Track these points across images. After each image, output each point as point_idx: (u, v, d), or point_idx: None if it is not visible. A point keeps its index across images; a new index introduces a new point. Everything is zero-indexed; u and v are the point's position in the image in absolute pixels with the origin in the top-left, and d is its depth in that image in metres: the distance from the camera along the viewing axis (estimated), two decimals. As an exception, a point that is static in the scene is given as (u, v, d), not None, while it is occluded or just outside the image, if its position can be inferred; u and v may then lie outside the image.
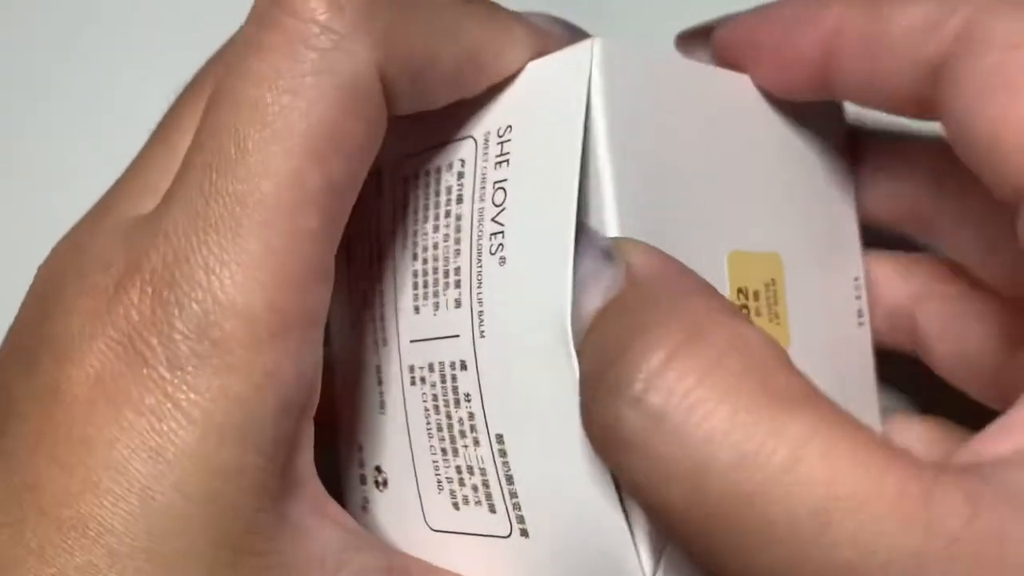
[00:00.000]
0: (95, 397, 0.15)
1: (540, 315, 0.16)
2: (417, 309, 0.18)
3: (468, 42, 0.16)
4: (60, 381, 0.15)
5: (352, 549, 0.17)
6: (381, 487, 0.19)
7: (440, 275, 0.18)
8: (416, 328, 0.18)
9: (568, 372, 0.15)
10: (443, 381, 0.18)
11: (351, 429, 0.20)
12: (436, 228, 0.18)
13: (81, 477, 0.14)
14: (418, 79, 0.16)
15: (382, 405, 0.19)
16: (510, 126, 0.17)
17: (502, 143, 0.17)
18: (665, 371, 0.13)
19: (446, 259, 0.17)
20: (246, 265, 0.14)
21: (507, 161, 0.17)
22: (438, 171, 0.18)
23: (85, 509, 0.14)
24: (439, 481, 0.18)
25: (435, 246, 0.18)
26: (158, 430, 0.14)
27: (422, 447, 0.18)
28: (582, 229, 0.16)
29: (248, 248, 0.14)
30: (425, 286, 0.18)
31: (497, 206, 0.17)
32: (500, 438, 0.17)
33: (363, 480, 0.20)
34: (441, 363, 0.18)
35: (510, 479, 0.17)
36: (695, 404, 0.13)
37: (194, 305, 0.15)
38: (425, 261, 0.18)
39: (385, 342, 0.19)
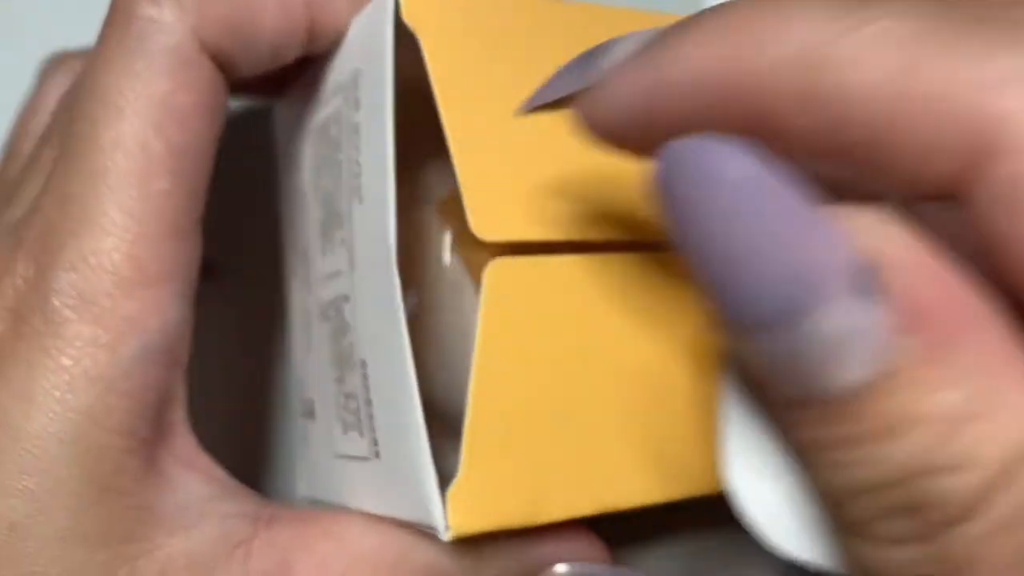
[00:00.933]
0: None
1: (376, 247, 0.17)
2: (323, 251, 0.20)
3: None
4: None
5: (217, 499, 0.18)
6: (310, 418, 0.21)
7: (332, 219, 0.19)
8: (321, 270, 0.20)
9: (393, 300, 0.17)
10: (337, 314, 0.19)
11: (296, 368, 0.22)
12: (328, 175, 0.20)
13: None
14: (247, 41, 0.18)
15: (309, 342, 0.21)
16: (359, 69, 0.18)
17: (356, 87, 0.18)
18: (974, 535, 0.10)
19: (336, 203, 0.19)
20: (107, 227, 0.17)
21: (358, 104, 0.18)
22: (326, 123, 0.20)
23: None
24: (336, 408, 0.20)
25: (328, 193, 0.20)
26: (30, 377, 0.16)
27: (327, 377, 0.20)
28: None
29: (108, 212, 0.17)
30: (324, 231, 0.20)
31: (357, 149, 0.18)
32: (363, 363, 0.18)
33: (302, 413, 0.22)
34: (335, 298, 0.19)
35: (369, 403, 0.18)
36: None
37: (64, 265, 0.16)
38: (325, 208, 0.20)
39: (309, 287, 0.21)
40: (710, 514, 0.18)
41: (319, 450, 0.21)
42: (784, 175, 0.11)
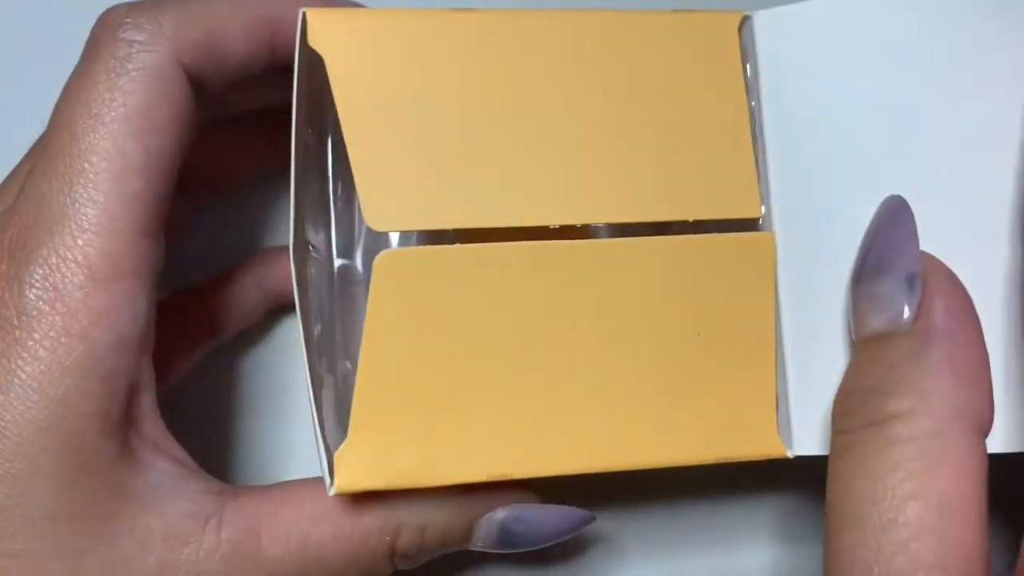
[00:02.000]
0: None
1: None
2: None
3: (248, 11, 0.19)
4: None
5: (186, 478, 0.19)
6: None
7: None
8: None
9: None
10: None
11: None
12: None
13: None
14: (218, 60, 0.19)
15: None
16: None
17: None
18: (894, 444, 0.17)
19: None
20: (82, 224, 0.18)
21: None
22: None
23: None
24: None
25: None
26: (7, 368, 0.17)
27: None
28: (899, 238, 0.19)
29: (83, 211, 0.18)
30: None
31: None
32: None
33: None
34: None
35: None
36: (893, 488, 0.17)
37: (39, 260, 0.18)
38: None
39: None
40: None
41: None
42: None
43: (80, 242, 0.18)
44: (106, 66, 0.18)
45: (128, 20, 0.19)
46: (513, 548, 0.21)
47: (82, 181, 0.18)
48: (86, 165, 0.18)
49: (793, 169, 0.20)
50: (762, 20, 0.21)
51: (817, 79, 0.20)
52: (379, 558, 0.20)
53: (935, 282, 0.18)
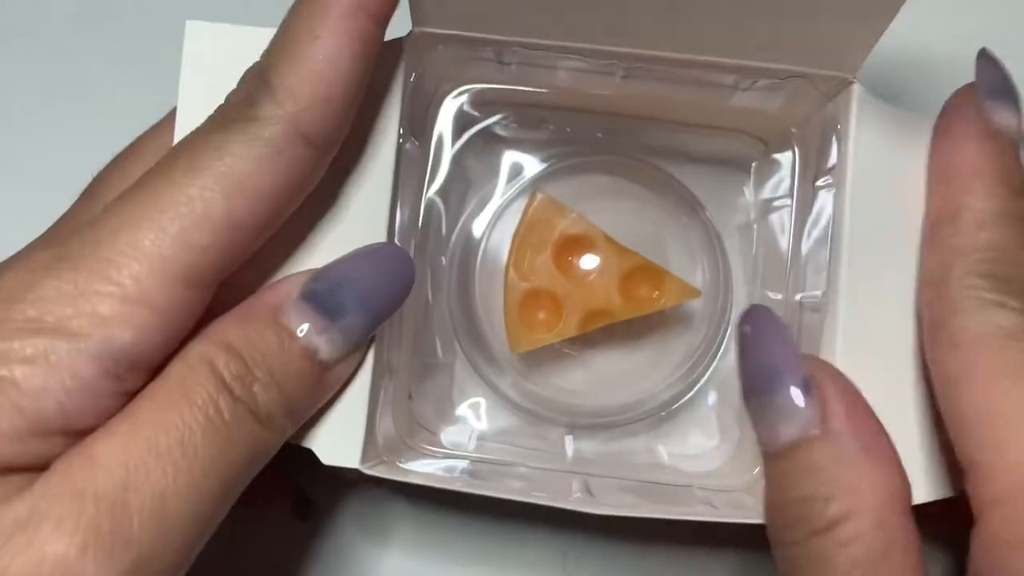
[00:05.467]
0: None
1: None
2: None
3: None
4: None
5: None
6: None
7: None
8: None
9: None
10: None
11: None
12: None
13: None
14: (331, 118, 0.19)
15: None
16: None
17: None
18: (843, 546, 0.18)
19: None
20: (129, 252, 0.18)
21: None
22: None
23: None
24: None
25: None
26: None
27: None
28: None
29: (140, 241, 0.18)
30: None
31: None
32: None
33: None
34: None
35: None
36: (830, 569, 0.18)
37: (78, 256, 0.18)
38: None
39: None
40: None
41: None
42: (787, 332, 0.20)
43: (121, 262, 0.18)
44: (223, 129, 0.19)
45: (247, 90, 0.19)
46: (332, 307, 0.20)
47: (155, 217, 0.18)
48: (166, 202, 0.18)
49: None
50: (864, 106, 0.21)
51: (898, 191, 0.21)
52: (212, 392, 0.18)
53: (826, 382, 0.19)
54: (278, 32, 0.19)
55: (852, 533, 0.18)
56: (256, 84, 0.19)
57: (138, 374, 0.18)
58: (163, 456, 0.17)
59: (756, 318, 0.20)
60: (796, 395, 0.19)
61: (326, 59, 0.19)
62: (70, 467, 0.17)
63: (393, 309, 0.21)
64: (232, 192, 0.18)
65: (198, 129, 0.19)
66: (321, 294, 0.20)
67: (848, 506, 0.18)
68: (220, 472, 0.18)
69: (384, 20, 0.20)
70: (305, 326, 0.19)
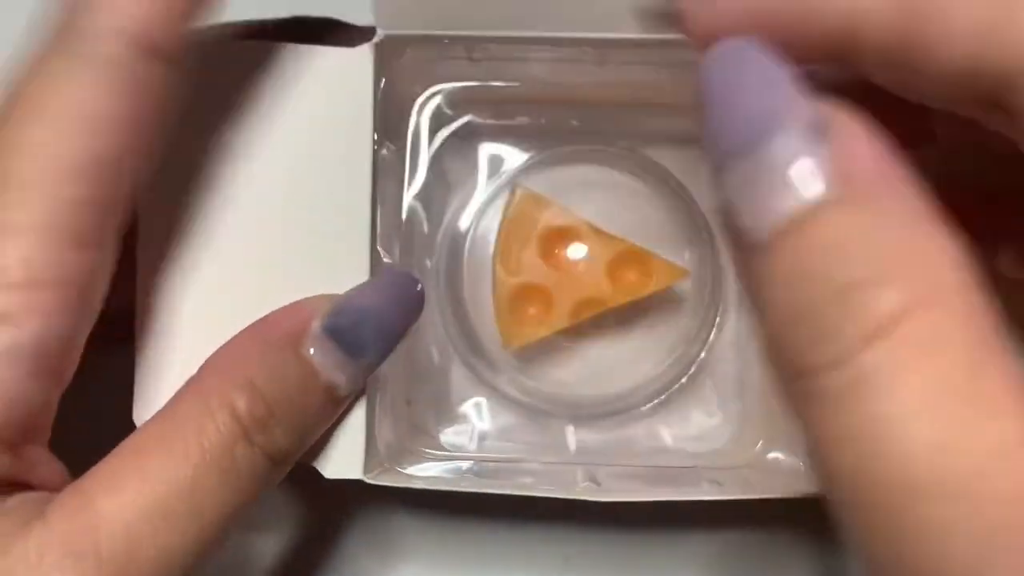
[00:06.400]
0: None
1: None
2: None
3: None
4: None
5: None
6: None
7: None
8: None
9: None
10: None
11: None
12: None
13: None
14: (174, 30, 0.17)
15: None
16: None
17: None
18: (884, 339, 0.12)
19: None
20: (7, 227, 0.16)
21: None
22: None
23: None
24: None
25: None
26: None
27: None
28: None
29: (12, 214, 0.16)
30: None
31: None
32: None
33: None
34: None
35: None
36: (902, 386, 0.12)
37: None
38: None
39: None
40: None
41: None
42: (774, 55, 0.14)
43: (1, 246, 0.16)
44: (55, 54, 0.17)
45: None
46: (355, 344, 0.19)
47: (16, 182, 0.16)
48: (21, 165, 0.16)
49: None
50: None
51: None
52: (230, 441, 0.17)
53: (841, 122, 0.13)
54: None
55: (928, 328, 0.12)
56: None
57: (63, 359, 0.17)
58: (172, 516, 0.17)
59: (728, 53, 0.14)
60: (805, 140, 0.12)
61: None
62: (71, 526, 0.16)
63: (404, 336, 0.21)
64: (79, 127, 0.17)
65: (31, 64, 0.17)
66: (344, 331, 0.19)
67: (914, 289, 0.12)
68: (229, 518, 0.18)
69: None
70: (328, 363, 0.19)
